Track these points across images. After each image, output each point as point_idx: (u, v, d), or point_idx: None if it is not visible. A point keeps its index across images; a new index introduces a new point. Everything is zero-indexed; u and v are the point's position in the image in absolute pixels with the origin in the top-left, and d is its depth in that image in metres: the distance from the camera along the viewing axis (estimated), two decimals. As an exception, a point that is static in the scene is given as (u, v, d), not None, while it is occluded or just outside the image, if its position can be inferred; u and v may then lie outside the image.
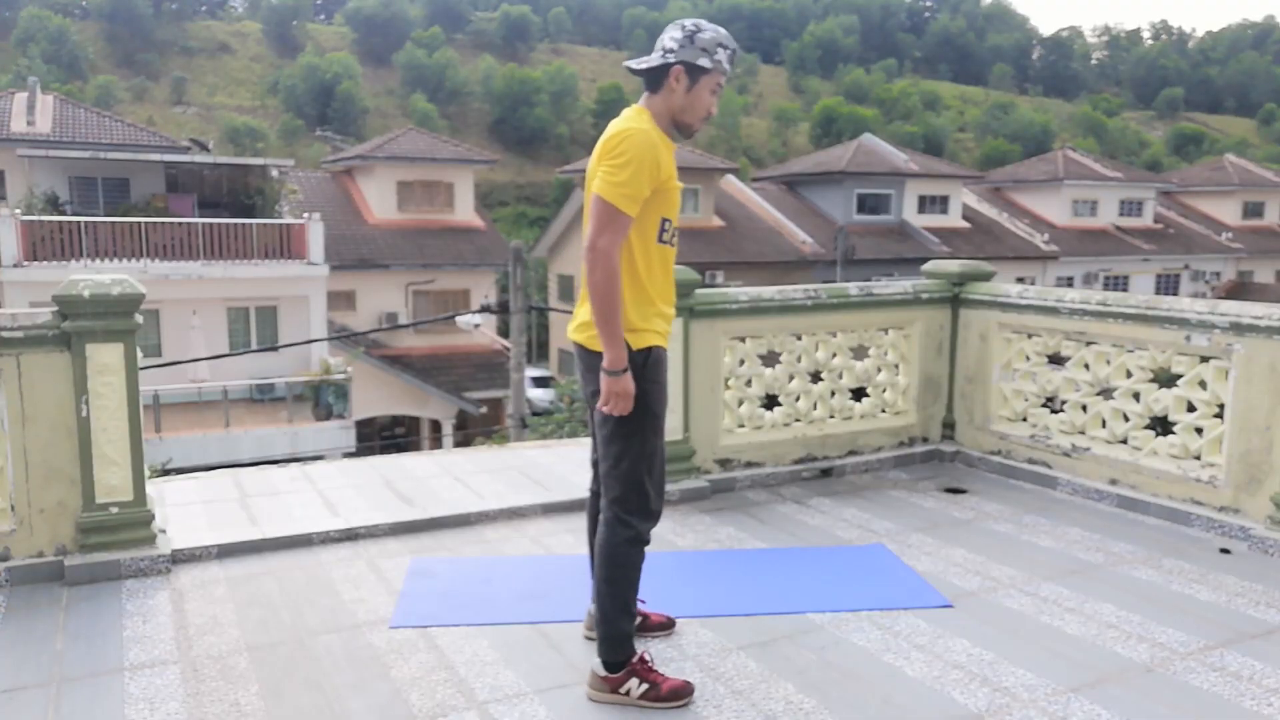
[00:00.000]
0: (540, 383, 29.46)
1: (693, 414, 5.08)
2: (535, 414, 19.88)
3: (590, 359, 2.94)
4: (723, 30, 2.93)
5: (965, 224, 32.36)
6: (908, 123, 75.05)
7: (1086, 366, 5.15)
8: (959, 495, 5.15)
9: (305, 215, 21.15)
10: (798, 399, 5.49)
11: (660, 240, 2.94)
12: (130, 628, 3.49)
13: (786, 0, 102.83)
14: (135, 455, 4.00)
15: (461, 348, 24.92)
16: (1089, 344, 5.12)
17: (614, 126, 2.86)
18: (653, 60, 2.89)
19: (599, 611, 2.96)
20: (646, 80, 2.91)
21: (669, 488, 4.91)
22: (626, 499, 2.92)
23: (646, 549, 3.01)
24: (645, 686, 2.92)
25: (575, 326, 3.01)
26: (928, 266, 5.99)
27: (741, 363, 5.29)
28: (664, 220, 2.93)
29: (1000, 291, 5.54)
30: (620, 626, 2.95)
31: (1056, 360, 5.37)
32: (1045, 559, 4.19)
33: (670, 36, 2.89)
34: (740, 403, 5.33)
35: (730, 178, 30.86)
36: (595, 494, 3.21)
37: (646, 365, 2.89)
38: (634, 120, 2.86)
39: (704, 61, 2.87)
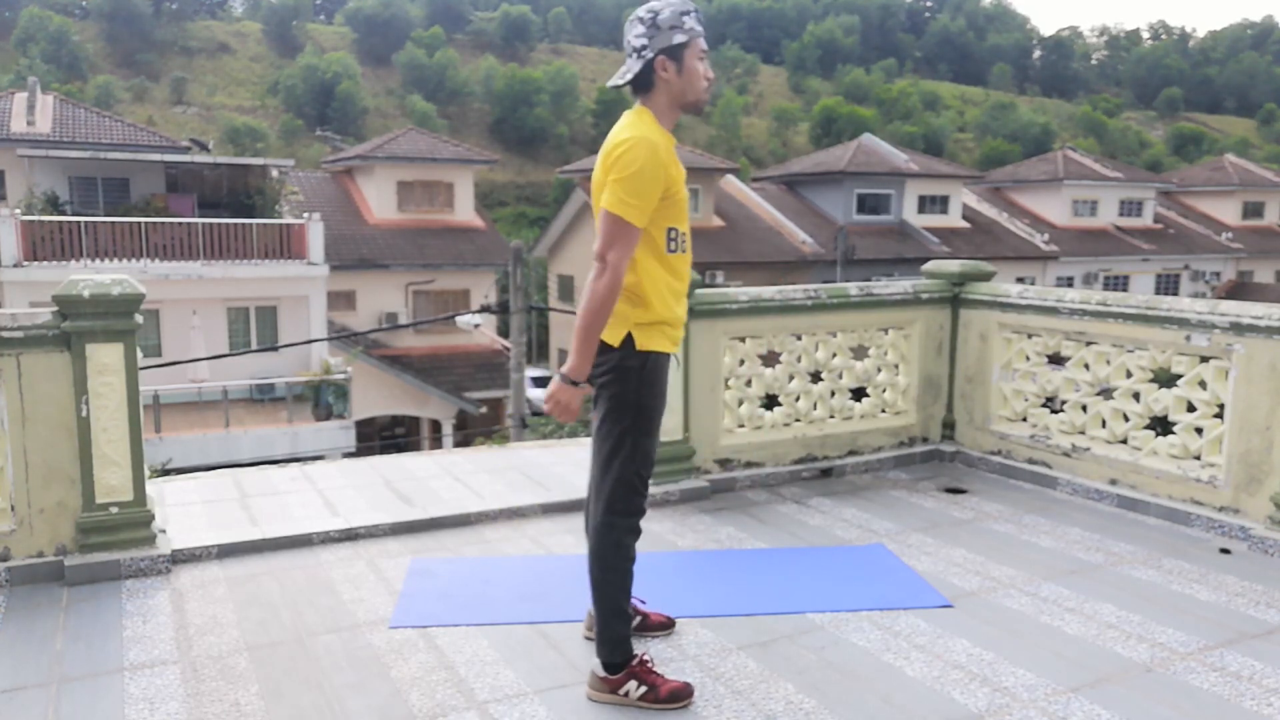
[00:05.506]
0: (540, 383, 29.37)
1: (693, 414, 5.08)
2: (535, 414, 19.87)
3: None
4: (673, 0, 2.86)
5: (965, 224, 32.37)
6: (908, 123, 74.94)
7: (1086, 366, 5.15)
8: (959, 495, 5.15)
9: (305, 215, 21.14)
10: (798, 399, 5.49)
11: (669, 250, 2.89)
12: (130, 628, 3.49)
13: (786, 0, 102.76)
14: (135, 455, 4.00)
15: (461, 348, 24.91)
16: (1089, 344, 5.12)
17: (616, 135, 2.81)
18: (634, 66, 2.84)
19: (595, 614, 2.97)
20: (636, 85, 2.87)
21: (669, 488, 4.94)
22: (615, 498, 2.90)
23: (644, 550, 3.00)
24: (644, 689, 2.92)
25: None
26: (928, 266, 5.99)
27: (741, 363, 5.29)
28: (671, 230, 2.88)
29: (1000, 291, 5.54)
30: (614, 629, 2.94)
31: (1056, 360, 5.37)
32: (1045, 559, 4.19)
33: (635, 34, 2.83)
34: (740, 403, 5.32)
35: (730, 178, 30.87)
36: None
37: (645, 368, 2.87)
38: (636, 126, 2.81)
39: (679, 38, 2.81)
